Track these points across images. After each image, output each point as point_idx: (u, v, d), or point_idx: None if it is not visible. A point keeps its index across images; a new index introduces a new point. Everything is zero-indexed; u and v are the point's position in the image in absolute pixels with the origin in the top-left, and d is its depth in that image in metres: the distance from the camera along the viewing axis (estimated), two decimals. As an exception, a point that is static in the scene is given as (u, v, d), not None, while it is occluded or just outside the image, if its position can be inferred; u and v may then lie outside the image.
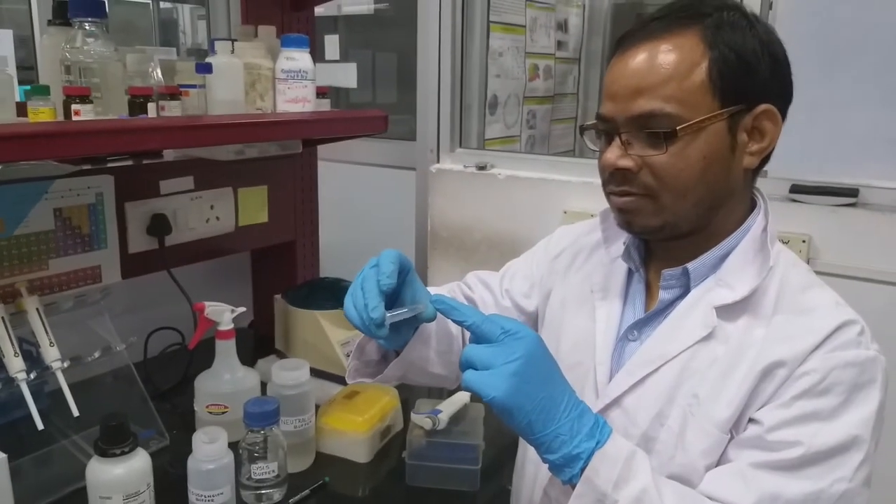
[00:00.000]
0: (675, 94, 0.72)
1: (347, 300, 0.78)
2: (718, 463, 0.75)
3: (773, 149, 0.78)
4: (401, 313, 0.78)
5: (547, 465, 0.71)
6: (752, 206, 0.83)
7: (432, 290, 0.99)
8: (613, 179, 0.78)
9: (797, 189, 1.43)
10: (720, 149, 0.74)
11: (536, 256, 1.03)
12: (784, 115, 0.77)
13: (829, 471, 0.69)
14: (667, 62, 0.73)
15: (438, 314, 0.77)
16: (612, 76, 0.77)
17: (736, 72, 0.73)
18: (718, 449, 0.74)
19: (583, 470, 0.68)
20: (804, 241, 1.41)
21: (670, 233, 0.78)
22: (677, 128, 0.72)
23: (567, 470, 0.69)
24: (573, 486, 0.69)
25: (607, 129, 0.78)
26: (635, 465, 0.70)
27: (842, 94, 1.38)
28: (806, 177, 1.43)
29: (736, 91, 0.73)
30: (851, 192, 1.40)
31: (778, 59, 0.76)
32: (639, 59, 0.74)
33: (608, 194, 0.81)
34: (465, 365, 0.69)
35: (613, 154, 0.76)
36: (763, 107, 0.75)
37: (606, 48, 2.62)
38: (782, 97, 0.77)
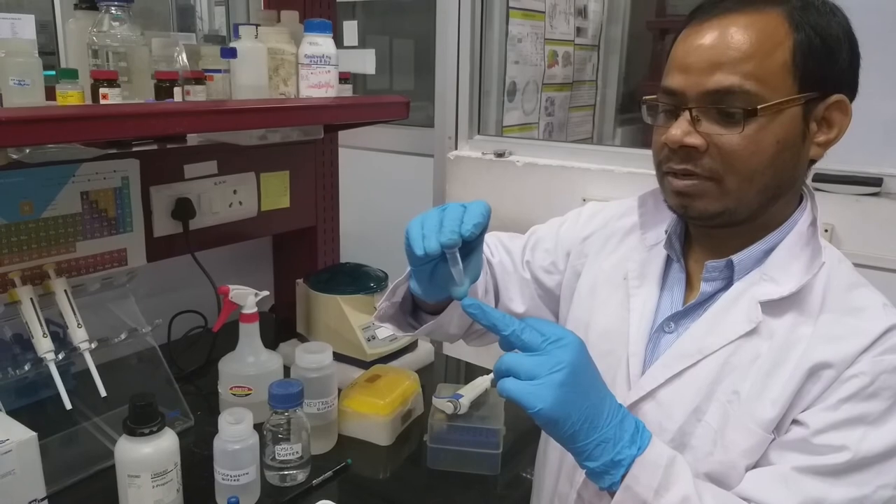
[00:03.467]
0: (756, 71, 0.69)
1: (415, 221, 0.73)
2: (758, 463, 0.73)
3: (837, 141, 0.75)
4: (457, 266, 0.71)
5: (585, 472, 0.69)
6: (800, 198, 0.80)
7: None
8: (675, 158, 0.74)
9: (820, 178, 1.42)
10: (793, 135, 0.72)
11: (563, 230, 0.99)
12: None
13: (874, 476, 0.68)
14: (749, 37, 0.69)
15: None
16: (686, 47, 0.73)
17: (819, 57, 0.71)
18: (761, 449, 0.73)
19: (623, 477, 0.67)
20: (827, 231, 1.40)
21: (727, 220, 0.75)
22: (758, 107, 0.69)
23: (607, 477, 0.67)
24: (611, 493, 0.68)
25: (673, 104, 0.74)
26: (675, 472, 0.68)
27: (867, 83, 1.36)
28: (829, 166, 1.42)
29: (815, 77, 0.71)
30: (875, 182, 1.39)
31: (854, 51, 0.74)
32: (718, 31, 0.71)
33: (664, 174, 0.77)
34: (504, 373, 0.67)
35: (681, 129, 0.72)
36: (836, 97, 0.73)
37: (626, 35, 2.60)
38: (852, 90, 0.75)
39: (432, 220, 0.72)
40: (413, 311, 0.94)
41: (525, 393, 0.65)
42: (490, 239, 1.04)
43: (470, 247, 0.75)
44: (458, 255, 0.71)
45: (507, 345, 0.69)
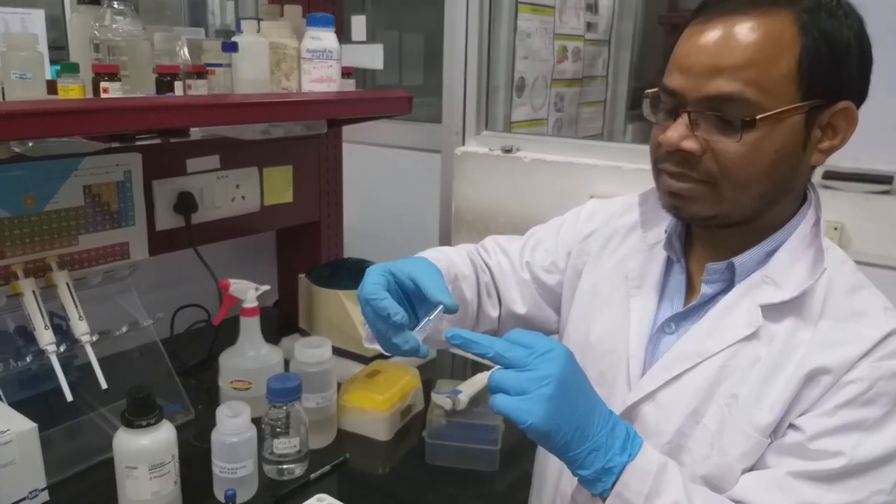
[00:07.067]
0: (758, 79, 0.66)
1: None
2: (755, 467, 0.73)
3: (841, 148, 0.73)
4: (426, 324, 0.76)
5: (577, 479, 0.69)
6: (803, 198, 0.78)
7: (436, 252, 0.96)
8: (671, 159, 0.72)
9: (830, 175, 1.40)
10: (793, 143, 0.69)
11: (564, 230, 0.98)
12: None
13: (869, 483, 0.68)
14: (754, 42, 0.66)
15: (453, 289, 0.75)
16: (688, 47, 0.70)
17: (826, 65, 0.67)
18: (757, 453, 0.72)
19: (614, 484, 0.67)
20: (836, 229, 1.38)
21: (721, 222, 0.74)
22: (757, 117, 0.66)
23: (599, 484, 0.67)
24: (603, 499, 0.68)
25: (672, 104, 0.72)
26: (666, 478, 0.68)
27: (878, 80, 1.33)
28: (839, 163, 1.39)
29: (821, 85, 0.68)
30: (886, 179, 1.36)
31: (865, 56, 0.70)
32: (722, 33, 0.67)
33: (660, 173, 0.75)
34: (495, 389, 0.67)
35: (677, 133, 0.70)
36: (843, 104, 0.70)
37: (638, 31, 2.58)
38: (861, 95, 0.72)
39: (384, 332, 0.76)
40: None
41: (515, 408, 0.65)
42: (488, 242, 1.05)
43: (413, 282, 0.78)
44: (420, 321, 0.76)
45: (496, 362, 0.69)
